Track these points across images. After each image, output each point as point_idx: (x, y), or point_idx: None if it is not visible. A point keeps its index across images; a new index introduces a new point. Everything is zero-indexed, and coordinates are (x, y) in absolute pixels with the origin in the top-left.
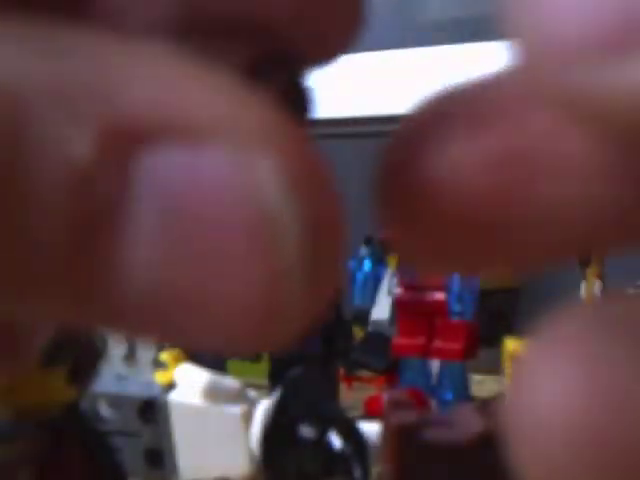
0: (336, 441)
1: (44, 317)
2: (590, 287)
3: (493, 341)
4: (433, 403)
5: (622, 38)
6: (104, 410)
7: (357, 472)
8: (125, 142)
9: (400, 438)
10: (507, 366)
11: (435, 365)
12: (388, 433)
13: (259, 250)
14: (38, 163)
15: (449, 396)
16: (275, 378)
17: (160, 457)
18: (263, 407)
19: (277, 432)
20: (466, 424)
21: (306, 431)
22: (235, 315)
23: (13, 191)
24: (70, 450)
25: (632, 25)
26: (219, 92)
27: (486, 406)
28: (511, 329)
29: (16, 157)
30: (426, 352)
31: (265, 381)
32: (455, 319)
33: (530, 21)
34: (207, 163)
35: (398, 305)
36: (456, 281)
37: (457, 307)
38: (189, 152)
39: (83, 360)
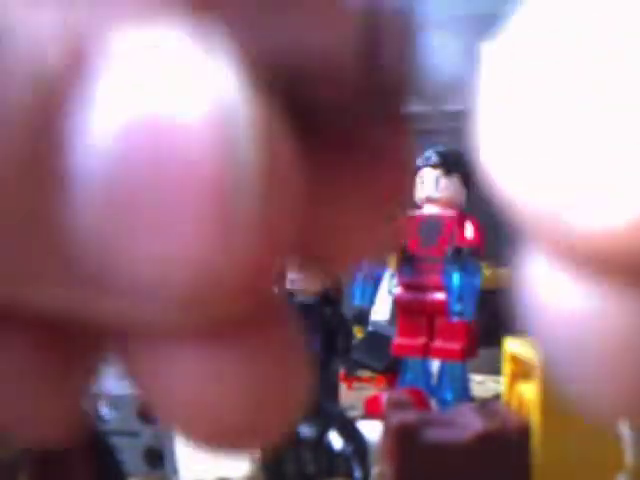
0: (336, 441)
1: None
2: None
3: (493, 341)
4: (433, 403)
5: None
6: (104, 410)
7: (357, 472)
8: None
9: (400, 438)
10: (507, 366)
11: (435, 365)
12: (388, 433)
13: (215, 163)
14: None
15: (449, 396)
16: None
17: (160, 457)
18: None
19: None
20: (466, 424)
21: (306, 431)
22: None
23: None
24: (70, 450)
25: None
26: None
27: (486, 406)
28: (511, 329)
29: None
30: (426, 352)
31: None
32: (455, 319)
33: None
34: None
35: (398, 305)
36: (456, 281)
37: (457, 307)
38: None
39: None
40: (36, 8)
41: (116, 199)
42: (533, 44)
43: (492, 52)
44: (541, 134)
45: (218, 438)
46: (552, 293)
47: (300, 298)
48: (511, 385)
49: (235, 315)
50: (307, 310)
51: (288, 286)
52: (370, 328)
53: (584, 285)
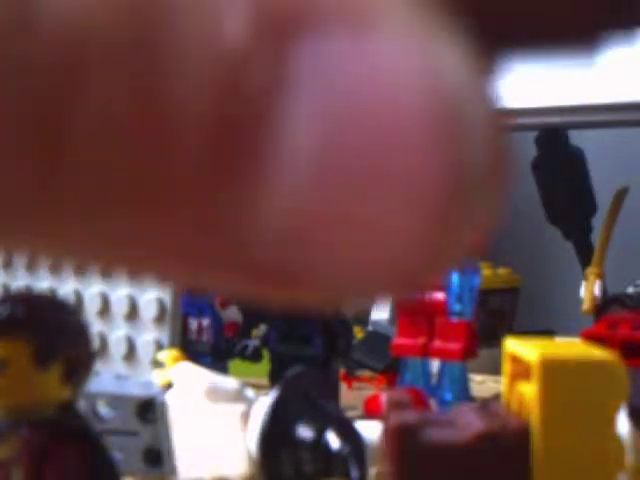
0: (334, 441)
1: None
2: (590, 287)
3: (493, 341)
4: (433, 403)
5: None
6: (103, 409)
7: (354, 472)
8: (283, 24)
9: (400, 438)
10: (507, 366)
11: (435, 365)
12: (388, 433)
13: (442, 149)
14: (181, 51)
15: (449, 396)
16: (275, 378)
17: (159, 457)
18: (260, 406)
19: (275, 432)
20: (466, 424)
21: (304, 431)
22: (404, 244)
23: (150, 83)
24: (65, 449)
25: None
26: None
27: (486, 406)
28: (511, 329)
29: (155, 41)
30: (426, 352)
31: (265, 381)
32: (455, 319)
33: None
34: (380, 50)
35: (398, 305)
36: (456, 281)
37: (457, 307)
38: (359, 38)
39: (77, 359)
40: None
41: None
42: None
43: None
44: None
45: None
46: None
47: None
48: (511, 385)
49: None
50: (307, 310)
51: None
52: (370, 328)
53: None
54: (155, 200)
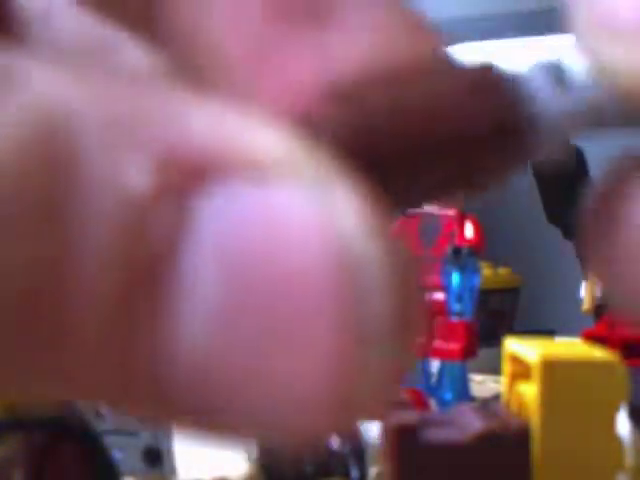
0: (334, 441)
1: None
2: (590, 287)
3: (493, 341)
4: (433, 403)
5: None
6: (103, 409)
7: (354, 472)
8: (186, 174)
9: (400, 438)
10: (507, 366)
11: (435, 365)
12: (388, 433)
13: (341, 310)
14: (87, 201)
15: (449, 396)
16: None
17: (158, 456)
18: None
19: None
20: (466, 424)
21: None
22: (303, 398)
23: (56, 235)
24: (65, 449)
25: None
26: (283, 137)
27: (486, 406)
28: (511, 329)
29: (62, 197)
30: (426, 352)
31: None
32: (455, 319)
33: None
34: (279, 202)
35: None
36: (456, 281)
37: (457, 307)
38: (258, 190)
39: None
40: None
41: (233, 317)
42: None
43: None
44: None
45: None
46: None
47: None
48: (511, 385)
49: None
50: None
51: None
52: None
53: None
54: (65, 341)
